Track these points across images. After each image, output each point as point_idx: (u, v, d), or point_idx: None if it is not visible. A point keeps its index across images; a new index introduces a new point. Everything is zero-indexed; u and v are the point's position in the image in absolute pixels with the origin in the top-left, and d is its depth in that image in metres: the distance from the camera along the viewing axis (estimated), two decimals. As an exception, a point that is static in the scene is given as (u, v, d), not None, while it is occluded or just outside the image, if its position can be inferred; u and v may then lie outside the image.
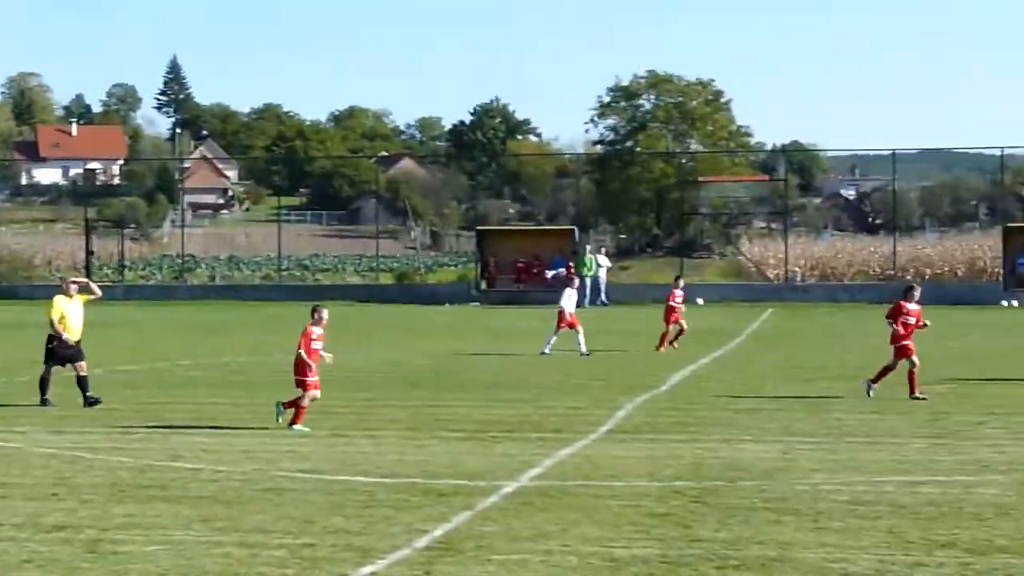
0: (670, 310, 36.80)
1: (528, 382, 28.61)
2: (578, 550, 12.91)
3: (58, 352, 24.54)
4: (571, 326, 34.94)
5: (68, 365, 24.61)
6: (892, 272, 69.58)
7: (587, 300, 60.47)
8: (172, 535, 13.70)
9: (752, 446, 19.50)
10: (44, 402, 24.36)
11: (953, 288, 64.77)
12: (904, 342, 25.31)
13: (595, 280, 62.11)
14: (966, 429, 21.22)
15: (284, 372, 29.74)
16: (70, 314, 24.77)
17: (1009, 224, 71.62)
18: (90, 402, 24.11)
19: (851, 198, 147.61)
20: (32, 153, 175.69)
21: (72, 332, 24.65)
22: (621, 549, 12.95)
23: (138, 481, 16.86)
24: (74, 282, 26.03)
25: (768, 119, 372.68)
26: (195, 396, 26.12)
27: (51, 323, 24.64)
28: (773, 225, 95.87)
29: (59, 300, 24.88)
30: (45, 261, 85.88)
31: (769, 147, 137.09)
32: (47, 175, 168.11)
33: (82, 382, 24.43)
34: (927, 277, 70.79)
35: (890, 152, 76.71)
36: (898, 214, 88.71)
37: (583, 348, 34.35)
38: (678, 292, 37.52)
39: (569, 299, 35.85)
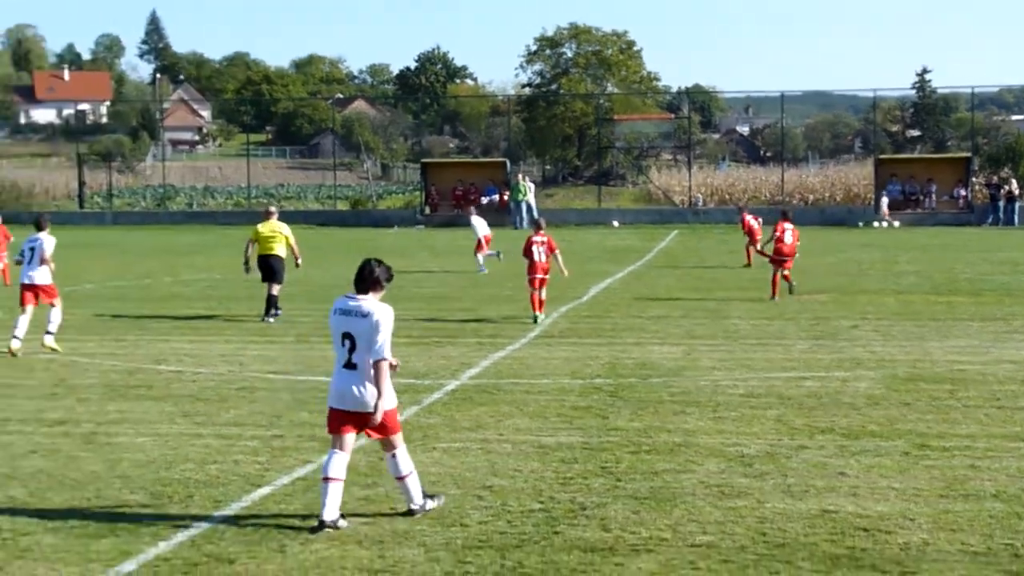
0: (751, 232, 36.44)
1: (466, 294, 28.59)
2: (511, 439, 12.98)
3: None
4: (489, 242, 35.91)
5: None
6: (780, 198, 69.82)
7: (524, 222, 60.28)
8: (158, 428, 13.65)
9: (660, 348, 19.61)
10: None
11: (832, 211, 65.07)
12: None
13: (528, 204, 61.93)
14: (842, 332, 21.41)
15: (255, 286, 29.61)
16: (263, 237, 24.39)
17: (880, 156, 71.93)
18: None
19: (745, 134, 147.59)
20: (29, 96, 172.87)
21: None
22: (548, 437, 13.02)
23: (128, 382, 16.77)
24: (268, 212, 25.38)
25: (674, 65, 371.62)
26: (176, 308, 25.92)
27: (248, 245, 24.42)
28: (678, 157, 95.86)
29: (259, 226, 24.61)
30: (43, 190, 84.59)
31: (675, 90, 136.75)
32: (43, 115, 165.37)
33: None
34: (810, 202, 71.09)
35: (779, 94, 76.61)
36: (785, 148, 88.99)
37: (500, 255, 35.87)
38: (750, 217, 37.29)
39: (481, 225, 36.39)
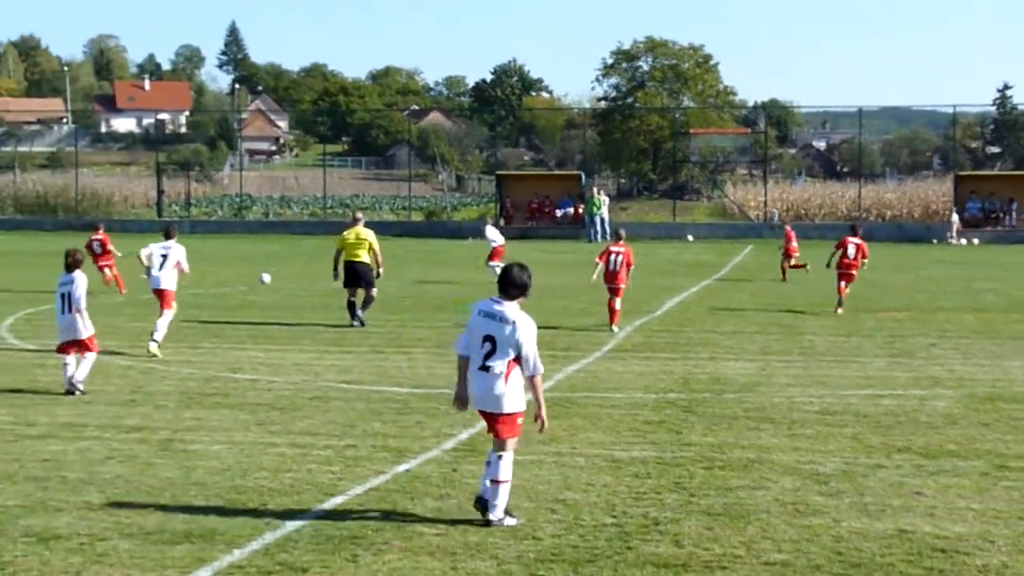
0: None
1: (540, 306, 28.56)
2: (584, 452, 12.94)
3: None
4: (500, 255, 35.36)
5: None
6: (857, 214, 69.21)
7: (599, 235, 60.24)
8: (233, 436, 13.76)
9: (734, 363, 19.49)
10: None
11: (910, 228, 64.41)
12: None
13: (602, 218, 61.83)
14: (920, 349, 21.17)
15: (331, 296, 29.78)
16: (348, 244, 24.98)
17: (959, 173, 71.08)
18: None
19: (822, 149, 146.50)
20: (110, 105, 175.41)
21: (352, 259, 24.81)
22: (621, 452, 12.97)
23: (204, 390, 16.91)
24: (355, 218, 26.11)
25: (750, 79, 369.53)
26: (252, 316, 26.13)
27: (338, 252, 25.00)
28: (754, 172, 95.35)
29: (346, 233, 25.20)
30: (122, 199, 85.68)
31: (751, 104, 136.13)
32: (123, 124, 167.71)
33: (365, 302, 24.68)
34: (887, 218, 70.40)
35: (856, 109, 76.09)
36: (863, 163, 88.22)
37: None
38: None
39: (496, 235, 36.17)
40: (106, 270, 32.22)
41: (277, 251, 51.45)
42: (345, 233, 25.19)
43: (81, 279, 16.85)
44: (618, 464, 12.36)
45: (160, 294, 21.22)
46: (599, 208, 61.74)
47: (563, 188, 67.30)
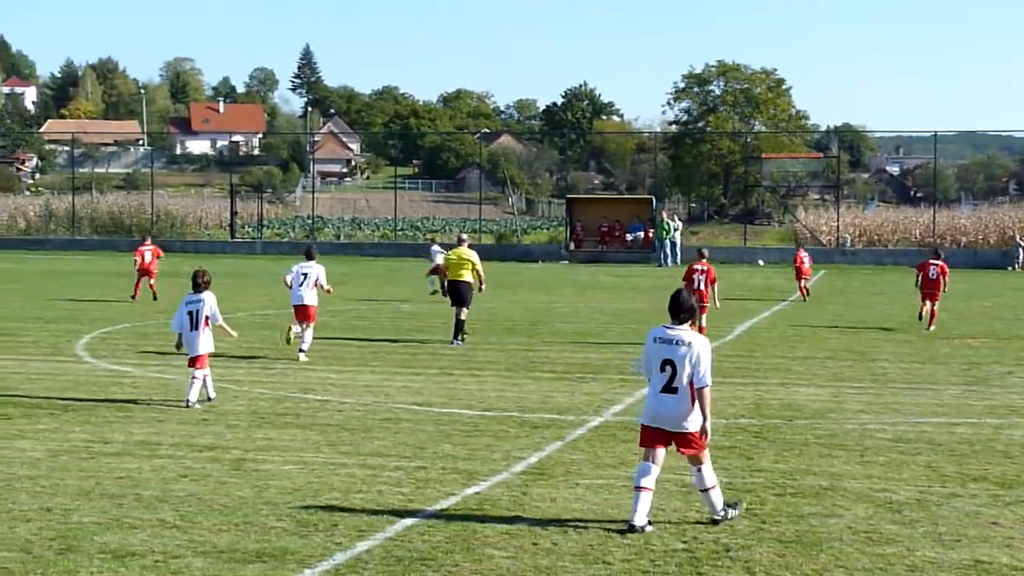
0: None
1: (610, 330, 28.54)
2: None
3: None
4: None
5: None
6: (931, 239, 68.53)
7: (669, 260, 60.18)
8: (304, 456, 13.84)
9: (806, 389, 19.35)
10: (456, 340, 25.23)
11: (985, 255, 63.67)
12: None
13: (672, 242, 61.72)
14: (995, 378, 20.90)
15: (401, 317, 29.91)
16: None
17: (1036, 198, 70.29)
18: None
19: (895, 174, 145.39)
20: (185, 127, 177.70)
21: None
22: (691, 477, 12.89)
23: (275, 410, 17.04)
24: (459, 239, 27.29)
25: (823, 104, 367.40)
26: (323, 337, 26.28)
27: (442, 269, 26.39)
28: (826, 196, 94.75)
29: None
30: (196, 220, 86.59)
31: (823, 128, 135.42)
32: (198, 146, 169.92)
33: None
34: (962, 245, 69.64)
35: (931, 133, 75.44)
36: (937, 188, 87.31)
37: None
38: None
39: (441, 256, 37.15)
40: (148, 278, 35.78)
41: (348, 272, 51.70)
42: (449, 253, 26.43)
43: (210, 298, 17.57)
44: (688, 489, 12.29)
45: (303, 310, 22.91)
46: (669, 232, 61.58)
47: (633, 212, 67.19)
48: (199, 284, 17.60)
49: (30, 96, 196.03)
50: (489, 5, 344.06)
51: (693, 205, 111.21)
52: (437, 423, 16.04)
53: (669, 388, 10.70)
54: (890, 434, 15.42)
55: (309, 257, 23.65)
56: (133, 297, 35.54)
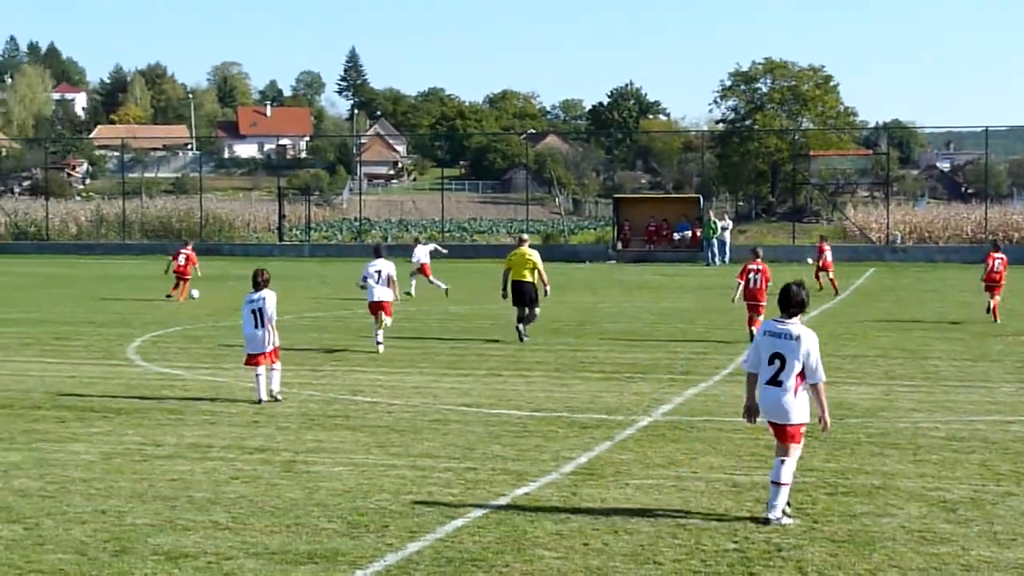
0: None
1: (658, 330, 28.47)
2: (705, 476, 12.86)
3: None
4: (426, 274, 39.20)
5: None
6: (983, 236, 67.90)
7: (717, 259, 60.03)
8: (354, 458, 13.90)
9: (857, 388, 19.23)
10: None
11: (1038, 250, 63.08)
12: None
13: (720, 241, 61.50)
14: (1050, 375, 20.68)
15: (448, 318, 29.98)
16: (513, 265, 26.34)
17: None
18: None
19: (946, 170, 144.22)
20: (233, 131, 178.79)
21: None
22: (742, 476, 12.87)
23: (325, 412, 17.12)
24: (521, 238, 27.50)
25: (872, 100, 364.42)
26: (371, 339, 26.35)
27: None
28: (875, 194, 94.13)
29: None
30: (244, 223, 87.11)
31: (872, 125, 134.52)
32: (245, 150, 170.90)
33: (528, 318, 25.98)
34: (1015, 241, 68.96)
35: (982, 128, 74.70)
36: (989, 184, 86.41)
37: (442, 285, 38.47)
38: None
39: (425, 253, 40.01)
40: (183, 282, 37.64)
41: (396, 274, 51.94)
42: (511, 254, 26.51)
43: (270, 296, 18.00)
44: (739, 489, 12.26)
45: (378, 306, 24.27)
46: (715, 231, 61.36)
47: (681, 211, 66.98)
48: (259, 283, 18.04)
49: (80, 102, 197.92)
50: (534, 5, 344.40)
51: (740, 203, 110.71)
52: (486, 424, 16.07)
53: (774, 381, 10.94)
54: (943, 432, 15.30)
55: (378, 255, 24.95)
56: (181, 296, 37.20)
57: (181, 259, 38.08)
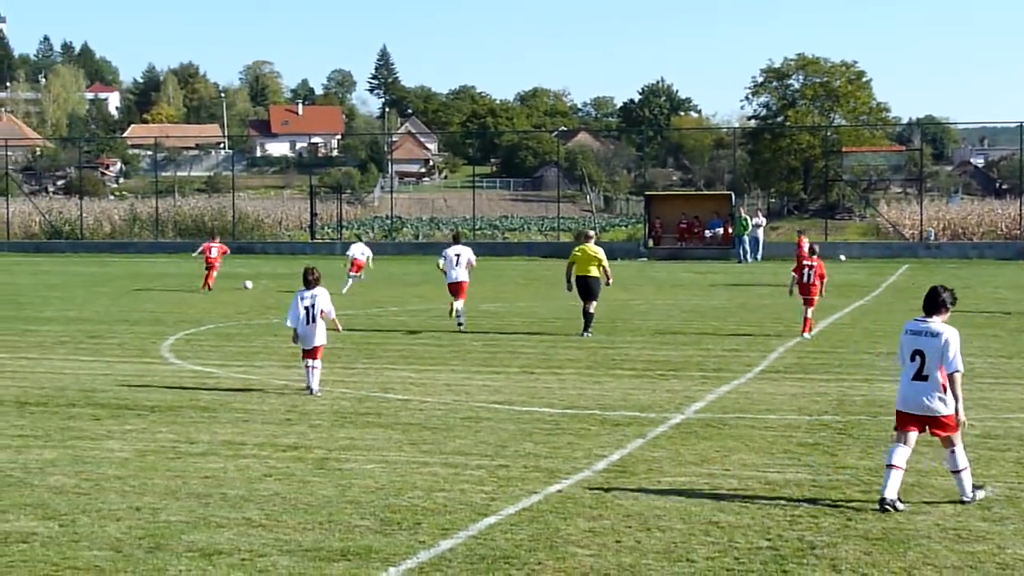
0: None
1: (690, 327, 28.42)
2: (738, 474, 12.84)
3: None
4: (359, 268, 39.86)
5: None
6: (1018, 232, 67.46)
7: (749, 256, 59.86)
8: (387, 455, 13.93)
9: (890, 385, 19.05)
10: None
11: (1073, 246, 62.58)
12: None
13: (753, 239, 61.29)
14: (1086, 372, 20.54)
15: (480, 316, 30.00)
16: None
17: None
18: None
19: (980, 166, 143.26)
20: (265, 129, 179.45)
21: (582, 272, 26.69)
22: (775, 474, 12.84)
23: (357, 409, 17.17)
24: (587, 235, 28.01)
25: (905, 96, 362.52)
26: (403, 337, 26.45)
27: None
28: (908, 190, 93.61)
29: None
30: (275, 222, 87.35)
31: (905, 121, 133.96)
32: (277, 148, 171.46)
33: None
34: (1050, 236, 68.45)
35: (1017, 124, 74.08)
36: None
37: (363, 277, 40.07)
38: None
39: (361, 252, 40.51)
40: (212, 273, 39.82)
41: (427, 272, 52.01)
42: (576, 249, 26.97)
43: (323, 293, 18.57)
44: (772, 486, 12.23)
45: (457, 286, 27.44)
46: (747, 228, 61.16)
47: (712, 208, 66.77)
48: (310, 281, 18.51)
49: (113, 102, 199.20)
50: (566, 3, 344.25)
51: (772, 200, 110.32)
52: (518, 421, 16.07)
53: (919, 376, 11.47)
54: (978, 430, 15.21)
55: (456, 240, 28.73)
56: (207, 288, 39.30)
57: (213, 251, 40.28)
